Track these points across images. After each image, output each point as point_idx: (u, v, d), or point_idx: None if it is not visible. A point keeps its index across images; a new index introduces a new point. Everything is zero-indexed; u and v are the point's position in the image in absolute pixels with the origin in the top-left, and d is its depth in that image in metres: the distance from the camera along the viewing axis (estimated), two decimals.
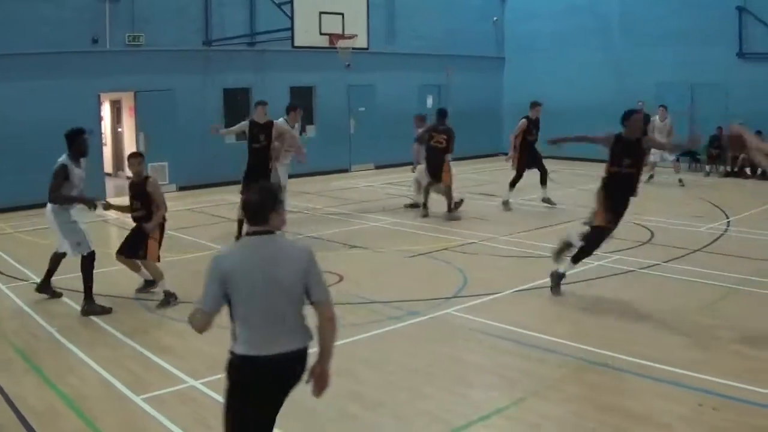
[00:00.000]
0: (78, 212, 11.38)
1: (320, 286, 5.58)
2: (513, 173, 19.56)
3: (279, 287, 5.42)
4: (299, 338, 5.59)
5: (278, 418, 5.89)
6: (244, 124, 16.54)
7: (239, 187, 16.00)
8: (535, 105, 19.61)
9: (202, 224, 18.16)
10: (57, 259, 11.68)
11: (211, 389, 7.96)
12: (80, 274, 11.16)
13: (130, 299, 11.82)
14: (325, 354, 5.69)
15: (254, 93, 25.39)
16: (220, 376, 8.18)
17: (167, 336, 9.99)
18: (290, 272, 5.46)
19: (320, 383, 5.74)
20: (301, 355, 5.60)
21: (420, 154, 18.95)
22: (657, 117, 23.94)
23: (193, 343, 9.47)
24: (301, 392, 7.94)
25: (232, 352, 5.61)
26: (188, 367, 8.64)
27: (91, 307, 11.08)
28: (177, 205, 20.71)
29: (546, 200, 19.39)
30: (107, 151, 26.73)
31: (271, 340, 5.47)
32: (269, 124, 16.35)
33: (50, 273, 11.79)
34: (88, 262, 11.17)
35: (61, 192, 10.97)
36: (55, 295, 11.80)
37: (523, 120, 19.52)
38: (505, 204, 19.43)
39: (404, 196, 21.57)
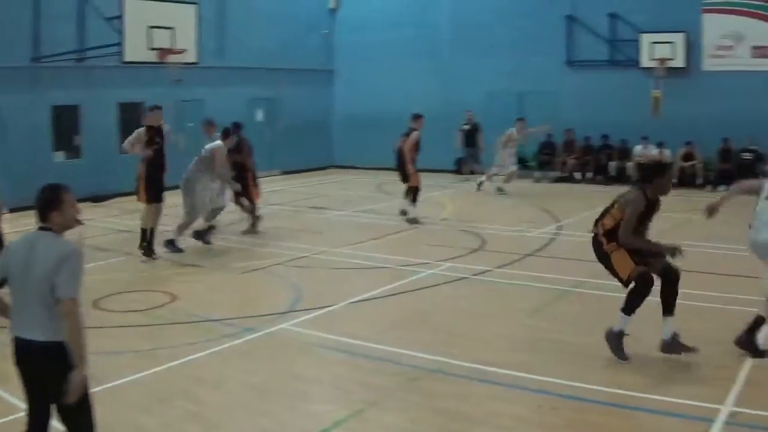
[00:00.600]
0: None
1: (65, 284, 5.63)
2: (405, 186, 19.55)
3: (32, 279, 5.67)
4: (42, 331, 5.70)
5: None
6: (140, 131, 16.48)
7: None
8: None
9: None
10: None
11: None
12: None
13: None
14: (73, 354, 5.74)
15: (83, 110, 24.87)
16: (93, 391, 8.10)
17: (2, 363, 9.76)
18: (43, 268, 5.64)
19: (70, 388, 5.73)
20: (43, 347, 5.73)
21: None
22: (514, 129, 24.41)
23: None
24: (140, 416, 7.94)
25: None
26: (22, 394, 8.44)
27: None
28: (5, 228, 20.09)
29: (404, 212, 19.48)
30: None
31: (20, 324, 5.77)
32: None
33: None
34: None
35: None
36: None
37: (416, 132, 19.39)
38: (413, 221, 19.03)
39: (233, 211, 21.49)
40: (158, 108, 16.62)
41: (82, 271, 5.84)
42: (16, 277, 5.78)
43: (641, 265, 9.13)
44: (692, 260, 14.39)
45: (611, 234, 9.18)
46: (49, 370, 5.77)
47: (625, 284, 9.21)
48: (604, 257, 9.35)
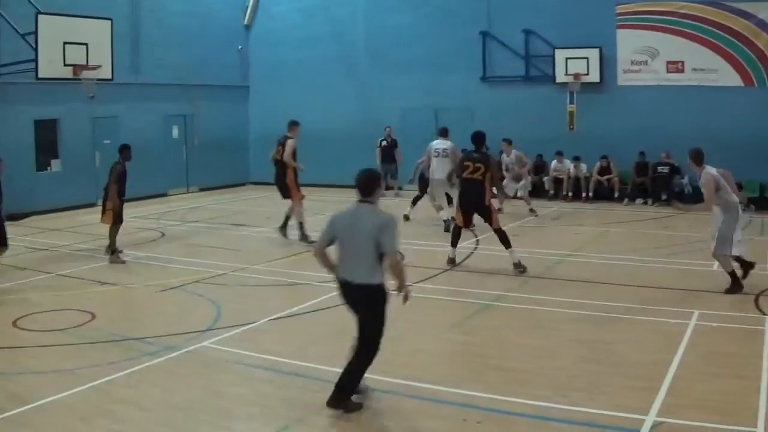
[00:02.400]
0: None
1: (389, 244, 8.10)
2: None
3: (359, 238, 8.22)
4: (365, 276, 8.24)
5: None
6: None
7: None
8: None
9: None
10: None
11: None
12: None
13: None
14: (400, 283, 8.37)
15: None
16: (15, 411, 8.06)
17: None
18: (369, 230, 8.14)
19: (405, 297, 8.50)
20: (362, 287, 8.29)
21: None
22: (503, 154, 23.92)
23: None
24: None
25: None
26: None
27: None
28: None
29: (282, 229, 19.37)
30: None
31: (347, 271, 8.39)
32: None
33: None
34: None
35: None
36: None
37: (291, 140, 18.98)
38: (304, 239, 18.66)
39: (154, 228, 21.44)
40: None
41: (399, 232, 8.25)
42: (345, 237, 8.36)
43: None
44: (610, 272, 14.86)
45: None
46: (364, 303, 8.38)
47: None
48: None
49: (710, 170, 13.04)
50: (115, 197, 16.90)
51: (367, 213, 8.30)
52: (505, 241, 15.50)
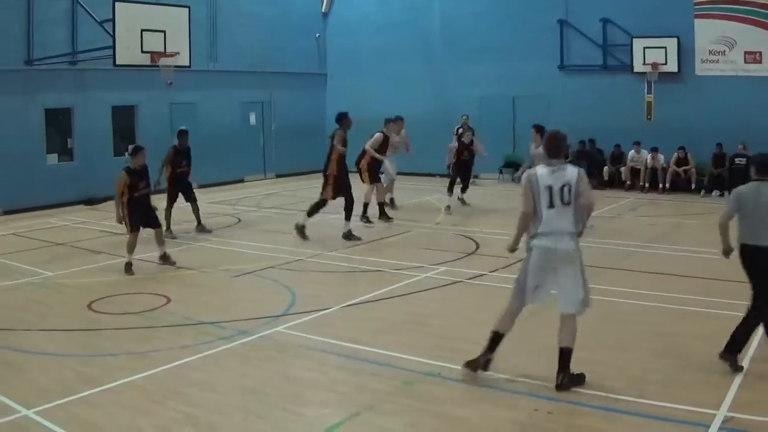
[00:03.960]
0: None
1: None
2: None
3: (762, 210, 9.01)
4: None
5: None
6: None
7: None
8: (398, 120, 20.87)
9: (27, 249, 17.61)
10: None
11: (44, 418, 7.80)
12: None
13: None
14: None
15: (76, 113, 24.86)
16: (53, 405, 8.13)
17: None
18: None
19: None
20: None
21: None
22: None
23: (24, 372, 9.31)
24: (135, 418, 7.93)
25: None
26: (20, 397, 8.37)
27: None
28: (1, 230, 20.12)
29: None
30: None
31: (753, 237, 9.11)
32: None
33: None
34: None
35: None
36: None
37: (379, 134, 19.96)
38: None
39: (229, 215, 21.53)
40: None
41: None
42: (749, 209, 9.09)
43: None
44: (685, 264, 14.53)
45: None
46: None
47: None
48: None
49: None
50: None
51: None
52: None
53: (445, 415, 7.92)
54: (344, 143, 17.65)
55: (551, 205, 8.51)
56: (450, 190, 21.93)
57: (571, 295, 8.53)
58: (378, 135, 19.86)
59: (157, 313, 11.89)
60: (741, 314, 9.04)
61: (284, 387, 8.82)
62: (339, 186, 17.71)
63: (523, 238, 8.83)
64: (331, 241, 17.53)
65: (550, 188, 8.53)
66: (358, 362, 9.54)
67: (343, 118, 17.97)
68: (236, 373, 9.27)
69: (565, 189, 8.53)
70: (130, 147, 16.94)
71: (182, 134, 18.82)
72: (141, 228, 15.07)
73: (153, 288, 13.45)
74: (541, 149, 16.61)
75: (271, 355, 9.93)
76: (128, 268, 14.55)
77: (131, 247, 14.66)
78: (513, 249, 9.14)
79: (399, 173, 22.63)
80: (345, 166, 17.87)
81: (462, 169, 22.53)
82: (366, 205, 19.76)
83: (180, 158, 18.45)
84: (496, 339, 8.76)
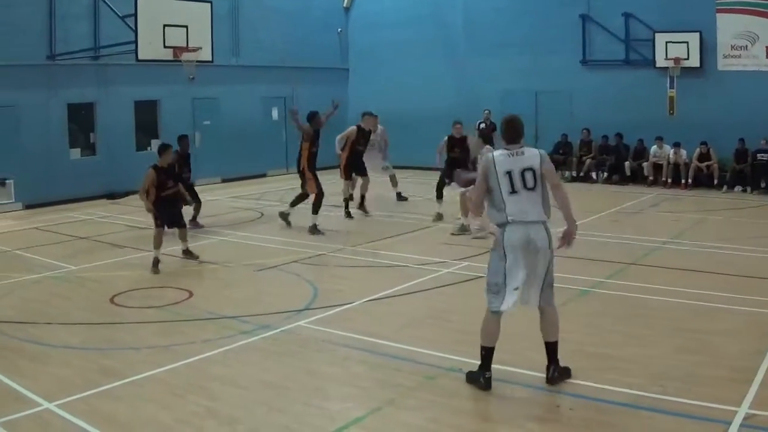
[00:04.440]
0: None
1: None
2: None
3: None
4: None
5: None
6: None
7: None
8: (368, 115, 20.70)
9: (49, 243, 17.71)
10: None
11: (66, 411, 7.81)
12: None
13: None
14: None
15: (98, 107, 24.98)
16: (74, 398, 8.16)
17: (19, 358, 9.71)
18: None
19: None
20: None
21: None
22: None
23: (46, 365, 9.34)
24: (157, 411, 7.94)
25: None
26: (41, 390, 8.40)
27: None
28: (23, 224, 20.25)
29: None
30: None
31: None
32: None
33: None
34: None
35: None
36: None
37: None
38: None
39: (253, 209, 21.56)
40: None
41: None
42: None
43: None
44: (708, 260, 14.44)
45: None
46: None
47: None
48: None
49: None
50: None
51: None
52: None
53: (466, 410, 7.89)
54: (309, 138, 18.61)
55: (513, 191, 8.14)
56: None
57: (546, 287, 8.42)
58: (351, 128, 20.32)
59: (179, 307, 11.91)
60: (763, 310, 8.99)
61: (306, 381, 8.79)
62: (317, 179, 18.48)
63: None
64: (354, 236, 17.54)
65: (509, 173, 8.12)
66: (380, 357, 9.50)
67: (313, 117, 19.06)
68: (258, 368, 9.26)
69: (527, 174, 8.17)
70: (158, 145, 16.82)
71: (183, 140, 18.85)
72: (167, 228, 15.07)
73: (175, 282, 13.49)
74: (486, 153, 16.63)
75: (292, 350, 9.90)
76: (155, 263, 14.52)
77: (158, 243, 14.65)
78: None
79: (423, 168, 22.56)
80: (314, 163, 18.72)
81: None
82: (347, 201, 20.14)
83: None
84: (488, 355, 8.40)
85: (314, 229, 17.95)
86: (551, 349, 8.41)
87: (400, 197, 21.85)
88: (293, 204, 18.93)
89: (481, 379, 8.34)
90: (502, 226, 8.21)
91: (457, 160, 18.54)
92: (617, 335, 9.51)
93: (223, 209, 19.49)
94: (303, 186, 18.67)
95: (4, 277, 14.00)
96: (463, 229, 17.26)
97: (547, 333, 8.44)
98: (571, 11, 27.85)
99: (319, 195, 18.17)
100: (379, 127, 22.03)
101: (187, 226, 17.13)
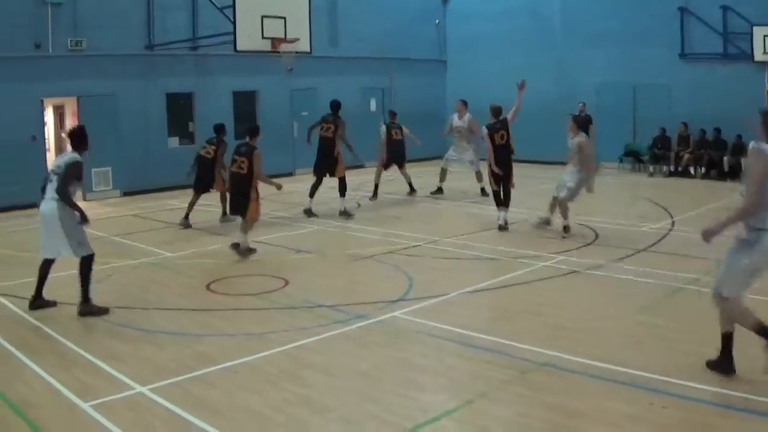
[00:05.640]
0: None
1: None
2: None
3: None
4: None
5: (226, 423, 5.94)
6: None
7: None
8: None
9: (147, 230, 18.03)
10: (47, 266, 11.37)
11: (159, 395, 7.93)
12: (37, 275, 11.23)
13: (77, 305, 11.68)
14: None
15: (197, 97, 25.35)
16: (168, 382, 8.25)
17: (115, 343, 9.88)
18: None
19: None
20: None
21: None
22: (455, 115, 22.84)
23: (141, 350, 9.49)
24: (250, 397, 7.99)
25: None
26: (136, 374, 8.55)
27: (88, 308, 11.08)
28: (121, 211, 20.66)
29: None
30: (50, 157, 26.41)
31: None
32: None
33: (41, 283, 11.41)
34: (88, 263, 11.10)
35: (69, 189, 10.93)
36: (49, 304, 11.42)
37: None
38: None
39: (350, 199, 21.63)
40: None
41: None
42: None
43: None
44: None
45: None
46: None
47: None
48: None
49: None
50: None
51: None
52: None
53: (557, 406, 7.76)
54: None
55: None
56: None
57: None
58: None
59: (274, 295, 12.00)
60: None
61: (399, 372, 8.78)
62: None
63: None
64: (450, 227, 17.46)
65: None
66: (474, 349, 9.44)
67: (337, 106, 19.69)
68: (351, 357, 9.28)
69: None
70: (250, 127, 16.90)
71: (223, 129, 19.19)
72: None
73: (271, 270, 13.59)
74: (579, 138, 16.39)
75: (386, 340, 9.91)
76: (247, 250, 14.67)
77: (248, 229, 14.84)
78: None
79: (523, 161, 22.35)
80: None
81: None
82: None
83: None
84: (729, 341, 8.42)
85: (346, 213, 19.06)
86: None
87: (483, 192, 21.50)
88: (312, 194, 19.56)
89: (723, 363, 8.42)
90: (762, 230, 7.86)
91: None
92: (713, 333, 9.30)
93: (321, 198, 19.57)
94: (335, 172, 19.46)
95: (102, 262, 14.24)
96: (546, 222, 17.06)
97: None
98: (669, 3, 27.27)
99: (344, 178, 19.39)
100: (467, 114, 21.82)
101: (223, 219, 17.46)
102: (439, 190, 22.42)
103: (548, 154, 28.07)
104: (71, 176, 10.90)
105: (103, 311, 11.09)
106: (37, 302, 11.36)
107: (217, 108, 25.19)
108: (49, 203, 10.96)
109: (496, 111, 17.75)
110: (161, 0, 24.32)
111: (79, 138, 11.29)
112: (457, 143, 22.01)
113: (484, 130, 17.25)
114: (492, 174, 16.95)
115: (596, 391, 8.09)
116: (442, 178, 22.31)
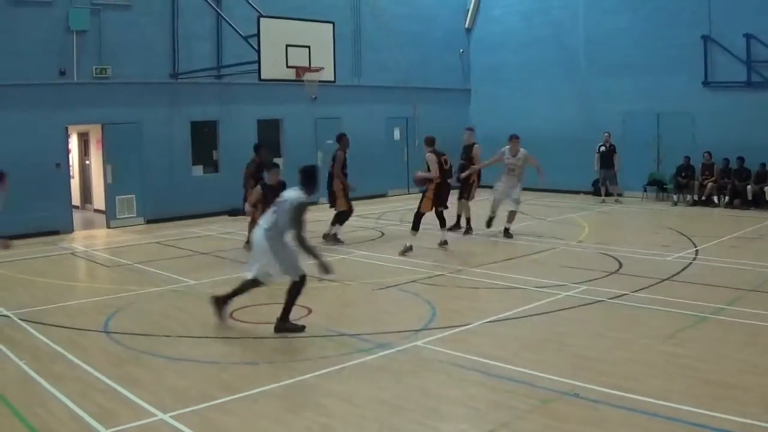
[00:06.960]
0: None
1: None
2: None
3: None
4: None
5: None
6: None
7: None
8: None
9: (170, 257, 18.09)
10: (252, 286, 11.90)
11: (180, 422, 7.91)
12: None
13: (100, 332, 11.70)
14: None
15: (221, 126, 25.48)
16: (189, 410, 8.23)
17: (137, 369, 9.89)
18: None
19: None
20: None
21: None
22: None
23: (163, 377, 9.48)
24: (270, 426, 7.95)
25: None
26: (157, 401, 8.54)
27: (285, 325, 11.42)
28: (146, 238, 20.73)
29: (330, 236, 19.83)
30: (74, 184, 26.60)
31: None
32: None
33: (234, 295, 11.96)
34: (299, 286, 11.47)
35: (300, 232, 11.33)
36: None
37: (340, 153, 19.78)
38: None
39: (373, 228, 21.62)
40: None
41: None
42: None
43: None
44: None
45: None
46: None
47: None
48: None
49: None
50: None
51: None
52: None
53: None
54: (344, 165, 19.46)
55: None
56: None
57: None
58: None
59: (297, 323, 11.95)
60: None
61: (421, 401, 8.72)
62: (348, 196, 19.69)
63: None
64: (473, 257, 17.45)
65: None
66: (496, 379, 9.38)
67: (341, 138, 19.64)
68: (373, 386, 9.23)
69: None
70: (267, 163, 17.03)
71: (262, 149, 19.67)
72: None
73: None
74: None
75: (409, 369, 9.85)
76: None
77: None
78: None
79: (544, 190, 22.26)
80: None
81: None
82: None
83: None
84: None
85: (333, 238, 19.64)
86: None
87: (507, 233, 20.76)
88: (334, 223, 19.81)
89: None
90: None
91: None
92: (737, 363, 9.21)
93: (345, 227, 19.63)
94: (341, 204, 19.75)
95: (124, 289, 14.31)
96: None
97: None
98: (692, 32, 27.22)
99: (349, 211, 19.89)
100: (521, 150, 20.43)
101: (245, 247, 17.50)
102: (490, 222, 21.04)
103: (571, 182, 28.08)
104: (302, 221, 11.31)
105: (298, 329, 11.47)
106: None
107: (241, 136, 25.29)
108: (264, 231, 11.53)
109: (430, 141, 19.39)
110: (186, 29, 24.51)
111: (309, 178, 11.81)
112: (507, 178, 20.60)
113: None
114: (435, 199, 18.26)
115: (618, 421, 8.01)
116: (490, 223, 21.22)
